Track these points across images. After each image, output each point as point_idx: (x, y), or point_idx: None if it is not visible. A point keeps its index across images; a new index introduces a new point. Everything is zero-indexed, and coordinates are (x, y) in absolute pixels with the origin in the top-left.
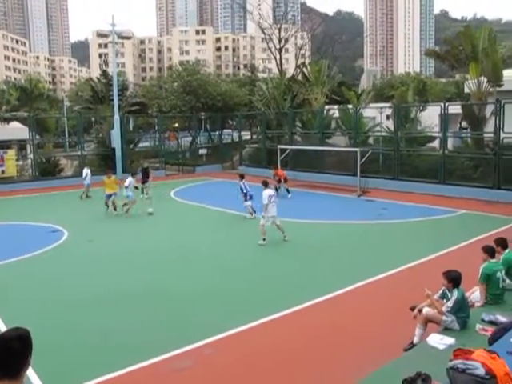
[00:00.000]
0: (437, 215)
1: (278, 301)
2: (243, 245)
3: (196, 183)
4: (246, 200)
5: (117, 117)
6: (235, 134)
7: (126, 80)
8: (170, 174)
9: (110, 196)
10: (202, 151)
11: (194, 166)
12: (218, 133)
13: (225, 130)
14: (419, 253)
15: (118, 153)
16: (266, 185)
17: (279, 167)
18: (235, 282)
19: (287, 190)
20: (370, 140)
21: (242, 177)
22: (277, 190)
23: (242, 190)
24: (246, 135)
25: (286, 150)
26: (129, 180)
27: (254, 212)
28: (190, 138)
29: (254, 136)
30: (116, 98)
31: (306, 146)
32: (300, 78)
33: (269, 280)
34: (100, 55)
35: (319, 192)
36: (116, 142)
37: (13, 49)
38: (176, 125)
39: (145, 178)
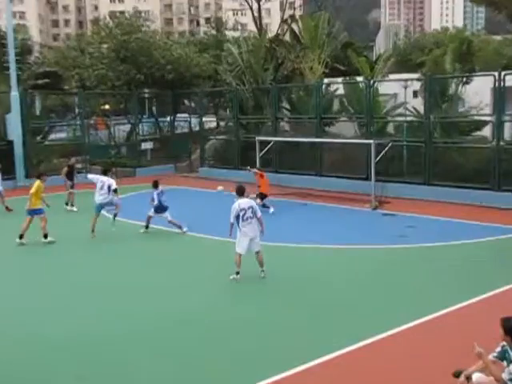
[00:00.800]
0: (488, 236)
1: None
2: (213, 282)
3: (138, 192)
4: (156, 211)
5: (15, 94)
6: (194, 121)
7: (29, 39)
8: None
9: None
10: (146, 145)
11: (133, 167)
12: (168, 119)
13: (179, 115)
14: (462, 292)
15: (18, 148)
16: (240, 193)
17: (257, 169)
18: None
19: (264, 205)
20: (390, 128)
21: (156, 185)
22: (263, 204)
23: (153, 200)
24: (211, 122)
25: (267, 143)
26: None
27: (180, 228)
28: (127, 127)
29: (222, 123)
30: (13, 67)
31: (296, 137)
32: (288, 38)
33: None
34: None
35: (317, 203)
36: (14, 131)
37: None
38: (106, 107)
39: (70, 179)
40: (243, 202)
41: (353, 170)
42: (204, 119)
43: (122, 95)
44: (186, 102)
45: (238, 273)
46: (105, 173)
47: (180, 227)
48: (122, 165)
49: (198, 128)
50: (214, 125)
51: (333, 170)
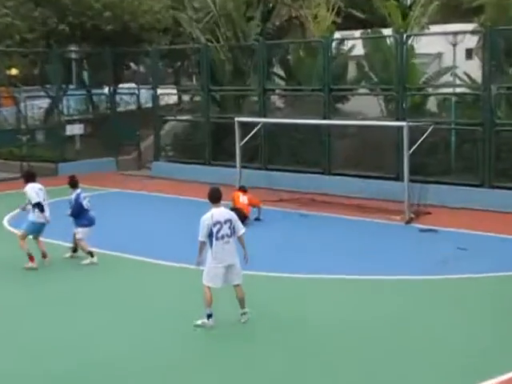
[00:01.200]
0: None
1: None
2: (168, 332)
3: (61, 198)
4: (77, 225)
5: None
6: (145, 94)
7: None
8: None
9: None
10: (74, 130)
11: (55, 161)
12: (106, 91)
13: (122, 86)
14: None
15: None
16: (215, 199)
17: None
18: None
19: (258, 219)
20: (431, 104)
21: (74, 184)
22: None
23: (72, 204)
24: (169, 95)
25: (252, 126)
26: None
27: (91, 255)
28: (45, 102)
29: (186, 97)
30: None
31: (294, 117)
32: None
33: None
34: None
35: (322, 215)
36: None
37: None
38: (13, 72)
39: None
40: (218, 213)
41: (376, 166)
42: (159, 91)
43: (37, 55)
44: (132, 65)
45: (209, 316)
46: (32, 178)
47: (91, 254)
48: (38, 158)
49: (150, 104)
50: (174, 100)
51: (347, 165)
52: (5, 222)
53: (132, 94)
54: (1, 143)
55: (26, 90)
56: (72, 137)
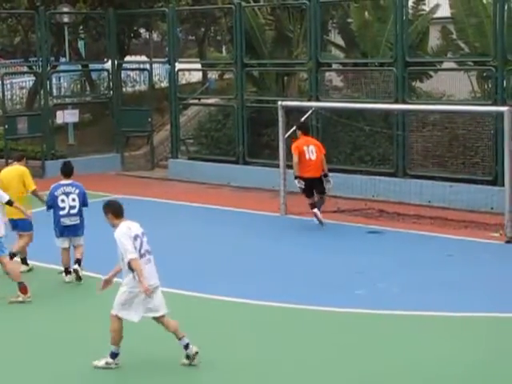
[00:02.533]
0: None
1: None
2: None
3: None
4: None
5: None
6: (159, 70)
7: None
8: None
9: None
10: (67, 117)
11: (41, 158)
12: (109, 66)
13: (129, 59)
14: None
15: None
16: (120, 213)
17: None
18: None
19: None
20: None
21: (68, 170)
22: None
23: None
24: (191, 72)
25: (301, 113)
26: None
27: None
28: (29, 80)
29: (213, 75)
30: None
31: (357, 101)
32: None
33: None
34: None
35: (397, 231)
36: None
37: None
38: None
39: None
40: (135, 226)
41: (466, 166)
42: (178, 66)
43: (19, 18)
44: (142, 33)
45: (114, 356)
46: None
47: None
48: (22, 153)
49: (166, 83)
50: (197, 78)
51: (427, 164)
52: None
53: (142, 69)
54: None
55: (3, 64)
56: (63, 126)
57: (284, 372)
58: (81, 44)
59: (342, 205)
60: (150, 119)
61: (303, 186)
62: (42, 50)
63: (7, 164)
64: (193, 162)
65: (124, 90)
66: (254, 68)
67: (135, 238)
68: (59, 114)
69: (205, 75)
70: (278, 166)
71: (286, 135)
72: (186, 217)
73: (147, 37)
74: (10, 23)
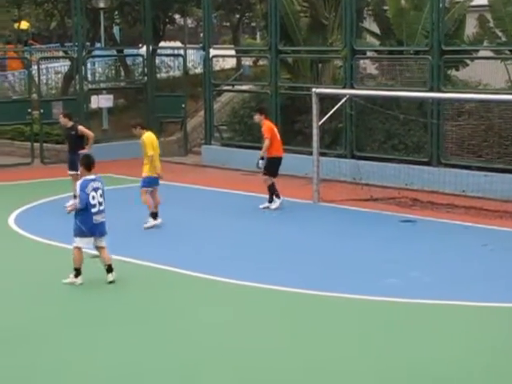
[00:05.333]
0: None
1: None
2: None
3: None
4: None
5: None
6: (193, 56)
7: None
8: (6, 164)
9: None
10: (101, 102)
11: None
12: (143, 51)
13: (164, 44)
14: None
15: None
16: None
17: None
18: None
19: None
20: None
21: (88, 163)
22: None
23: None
24: (225, 58)
25: (335, 100)
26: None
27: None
28: (64, 65)
29: (247, 61)
30: None
31: (391, 89)
32: None
33: None
34: None
35: (431, 220)
36: None
37: None
38: (24, 26)
39: None
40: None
41: (502, 155)
42: (213, 53)
43: (55, 3)
44: (177, 18)
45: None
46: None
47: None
48: (54, 139)
49: (200, 69)
50: (231, 64)
51: (462, 153)
52: (11, 220)
53: (176, 55)
54: (5, 118)
55: (39, 49)
56: (98, 111)
57: (317, 359)
58: (116, 29)
59: (375, 193)
60: (183, 105)
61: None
62: (77, 35)
63: None
64: (226, 149)
65: (158, 75)
66: (288, 55)
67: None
68: (94, 98)
69: (239, 62)
70: (311, 153)
71: (320, 122)
72: (219, 204)
73: (182, 23)
74: (47, 8)
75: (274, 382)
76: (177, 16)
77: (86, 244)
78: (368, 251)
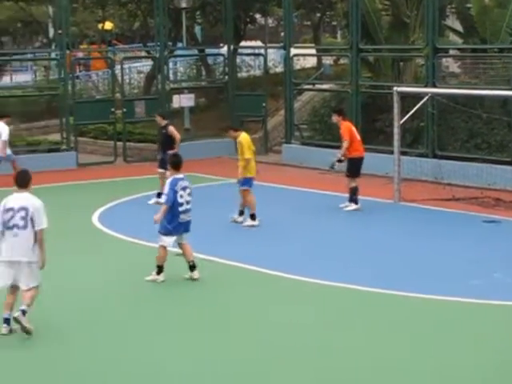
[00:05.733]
0: None
1: None
2: None
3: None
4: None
5: None
6: (274, 55)
7: None
8: (89, 163)
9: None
10: (183, 101)
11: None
12: (225, 50)
13: (244, 44)
14: None
15: None
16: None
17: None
18: None
19: None
20: None
21: (176, 163)
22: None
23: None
24: (306, 57)
25: (416, 99)
26: None
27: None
28: (147, 65)
29: (327, 60)
30: None
31: (474, 88)
32: None
33: None
34: None
35: None
36: None
37: None
38: (108, 26)
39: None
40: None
41: None
42: (293, 52)
43: (138, 4)
44: (257, 18)
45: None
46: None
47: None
48: (137, 137)
49: (280, 69)
50: (312, 63)
51: None
52: (95, 218)
53: (257, 54)
54: (89, 117)
55: (122, 49)
56: (179, 110)
57: (397, 358)
58: (197, 29)
59: (457, 193)
60: (264, 104)
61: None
62: (160, 35)
63: None
64: (306, 148)
65: (239, 74)
66: (369, 53)
67: (7, 211)
68: (175, 98)
69: (319, 60)
70: (391, 152)
71: (401, 121)
72: (299, 203)
73: (263, 22)
74: (130, 8)
75: (350, 381)
76: (258, 15)
77: (172, 242)
78: (450, 252)
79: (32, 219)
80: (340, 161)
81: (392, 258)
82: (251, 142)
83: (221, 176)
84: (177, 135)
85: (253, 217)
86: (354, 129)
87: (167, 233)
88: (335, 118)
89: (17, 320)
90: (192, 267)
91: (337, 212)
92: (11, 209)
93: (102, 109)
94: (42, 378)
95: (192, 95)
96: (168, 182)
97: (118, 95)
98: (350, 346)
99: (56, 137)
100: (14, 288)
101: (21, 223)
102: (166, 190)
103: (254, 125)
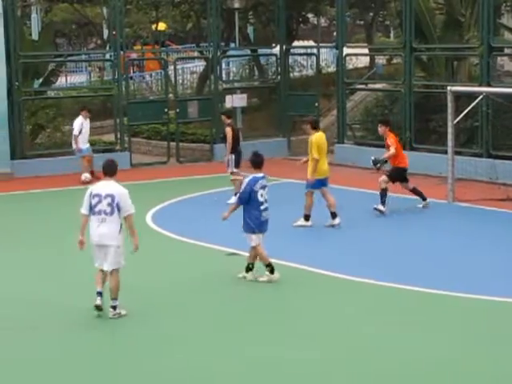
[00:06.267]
0: None
1: None
2: None
3: (221, 188)
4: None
5: None
6: (326, 55)
7: None
8: (142, 163)
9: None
10: (235, 102)
11: (210, 141)
12: (277, 51)
13: (297, 44)
14: None
15: (1, 104)
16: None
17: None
18: None
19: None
20: None
21: (258, 161)
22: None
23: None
24: (358, 56)
25: (470, 99)
26: None
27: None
28: (199, 65)
29: (380, 59)
30: None
31: None
32: None
33: None
34: None
35: None
36: None
37: None
38: (162, 27)
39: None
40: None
41: None
42: (346, 51)
43: (191, 4)
44: (310, 17)
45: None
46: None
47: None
48: (190, 137)
49: (333, 68)
50: (364, 62)
51: None
52: (148, 218)
53: (310, 54)
54: (143, 117)
55: (175, 49)
56: (231, 111)
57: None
58: (250, 29)
59: None
60: (316, 104)
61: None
62: (212, 36)
63: None
64: (359, 147)
65: (291, 74)
66: (422, 53)
67: (93, 196)
68: (228, 98)
69: (372, 60)
70: (445, 152)
71: (455, 121)
72: (352, 203)
73: (315, 22)
74: (183, 9)
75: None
76: (310, 15)
77: (258, 240)
78: (505, 253)
79: (118, 206)
80: (385, 161)
81: (447, 258)
82: (325, 143)
83: (273, 176)
84: (228, 139)
85: (307, 217)
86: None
87: (251, 231)
88: (382, 130)
89: (114, 316)
90: (270, 269)
91: (394, 213)
92: (98, 195)
93: (156, 109)
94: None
95: (244, 95)
96: (247, 180)
97: (171, 96)
98: (403, 346)
99: (110, 137)
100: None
101: (108, 209)
102: (243, 188)
103: (314, 118)
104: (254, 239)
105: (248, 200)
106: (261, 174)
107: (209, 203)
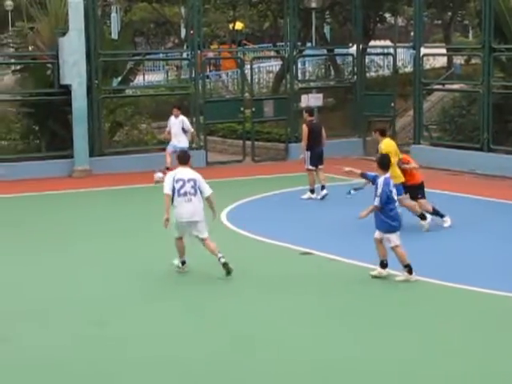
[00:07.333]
0: None
1: None
2: None
3: (296, 188)
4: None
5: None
6: (403, 55)
7: None
8: (218, 162)
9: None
10: (311, 101)
11: (285, 141)
12: (353, 50)
13: (374, 43)
14: None
15: (80, 101)
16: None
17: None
18: None
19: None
20: None
21: (386, 162)
22: None
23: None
24: (436, 57)
25: None
26: None
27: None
28: (275, 65)
29: (457, 60)
30: None
31: None
32: None
33: None
34: None
35: None
36: (73, 70)
37: None
38: (239, 26)
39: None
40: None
41: None
42: (423, 51)
43: (269, 4)
44: (387, 17)
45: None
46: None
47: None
48: (265, 136)
49: (409, 68)
50: (442, 63)
51: None
52: (223, 216)
53: (386, 54)
54: (219, 116)
55: (252, 49)
56: (309, 110)
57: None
58: (326, 29)
59: None
60: (392, 104)
61: None
62: (289, 35)
63: None
64: (435, 148)
65: (368, 74)
66: (502, 53)
67: (177, 181)
68: (304, 97)
69: (450, 60)
70: None
71: None
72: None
73: (392, 21)
74: (260, 9)
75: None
76: (387, 15)
77: (398, 240)
78: None
79: (200, 187)
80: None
81: None
82: (395, 150)
83: (347, 176)
84: (304, 137)
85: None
86: None
87: (393, 230)
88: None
89: (225, 265)
90: (408, 269)
91: (463, 213)
92: (181, 179)
93: (232, 108)
94: None
95: (320, 95)
96: (381, 181)
97: (247, 95)
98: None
99: None
100: (182, 238)
101: (192, 191)
102: (380, 189)
103: (383, 125)
104: (395, 239)
105: (386, 200)
106: (388, 175)
107: (280, 202)
